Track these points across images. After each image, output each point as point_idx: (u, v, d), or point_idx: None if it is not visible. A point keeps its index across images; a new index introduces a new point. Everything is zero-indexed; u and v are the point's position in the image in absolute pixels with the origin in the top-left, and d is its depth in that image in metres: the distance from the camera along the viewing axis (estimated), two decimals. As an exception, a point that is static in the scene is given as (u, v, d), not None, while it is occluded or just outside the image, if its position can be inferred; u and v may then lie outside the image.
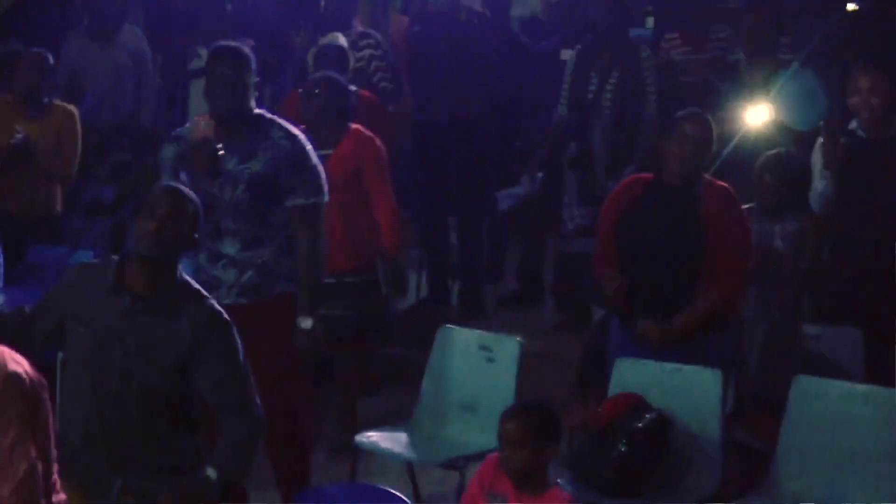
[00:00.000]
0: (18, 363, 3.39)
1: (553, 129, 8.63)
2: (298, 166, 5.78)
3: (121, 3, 9.99)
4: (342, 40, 8.67)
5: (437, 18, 9.10)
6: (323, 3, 10.54)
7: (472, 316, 8.19)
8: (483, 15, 9.37)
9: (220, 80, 5.73)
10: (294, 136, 5.85)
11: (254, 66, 5.93)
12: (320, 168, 5.89)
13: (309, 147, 5.88)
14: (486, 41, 9.16)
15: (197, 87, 9.08)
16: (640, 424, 5.50)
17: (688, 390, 5.77)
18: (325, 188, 5.90)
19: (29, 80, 7.99)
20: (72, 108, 8.14)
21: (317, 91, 7.12)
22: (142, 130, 9.32)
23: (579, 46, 8.48)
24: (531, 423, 4.61)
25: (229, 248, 5.72)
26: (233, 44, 6.31)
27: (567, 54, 8.98)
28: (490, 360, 6.31)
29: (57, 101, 8.10)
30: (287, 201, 5.75)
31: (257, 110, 5.90)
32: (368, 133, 7.08)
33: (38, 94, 7.96)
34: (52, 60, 8.15)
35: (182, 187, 4.68)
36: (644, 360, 5.93)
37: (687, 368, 5.79)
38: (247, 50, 6.02)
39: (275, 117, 6.01)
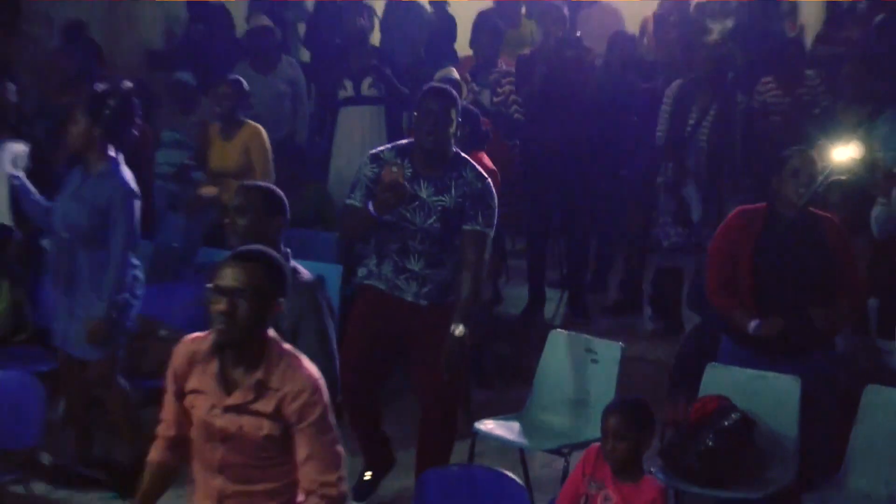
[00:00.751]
0: None
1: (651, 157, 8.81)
2: (483, 203, 5.99)
3: (279, 38, 10.50)
4: (455, 74, 9.02)
5: (553, 55, 9.18)
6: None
7: (576, 322, 8.31)
8: (590, 52, 9.55)
9: (432, 117, 5.88)
10: (484, 178, 6.06)
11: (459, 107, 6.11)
12: (496, 209, 6.07)
13: (493, 189, 6.08)
14: (595, 78, 9.31)
15: (344, 114, 9.62)
16: (726, 423, 5.62)
17: (769, 395, 5.88)
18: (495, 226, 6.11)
19: (228, 103, 8.33)
20: (259, 126, 8.40)
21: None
22: (297, 149, 9.56)
23: (681, 82, 8.59)
24: (631, 418, 4.78)
25: (414, 264, 5.99)
26: (446, 86, 6.46)
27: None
28: (594, 361, 6.50)
29: (244, 118, 8.43)
30: (465, 226, 5.96)
31: (454, 149, 6.12)
32: (490, 165, 7.32)
33: (235, 115, 8.34)
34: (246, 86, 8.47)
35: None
36: (732, 367, 6.05)
37: (769, 375, 5.88)
38: (455, 94, 6.17)
39: (468, 157, 6.19)
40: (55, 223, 6.46)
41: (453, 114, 5.92)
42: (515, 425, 6.49)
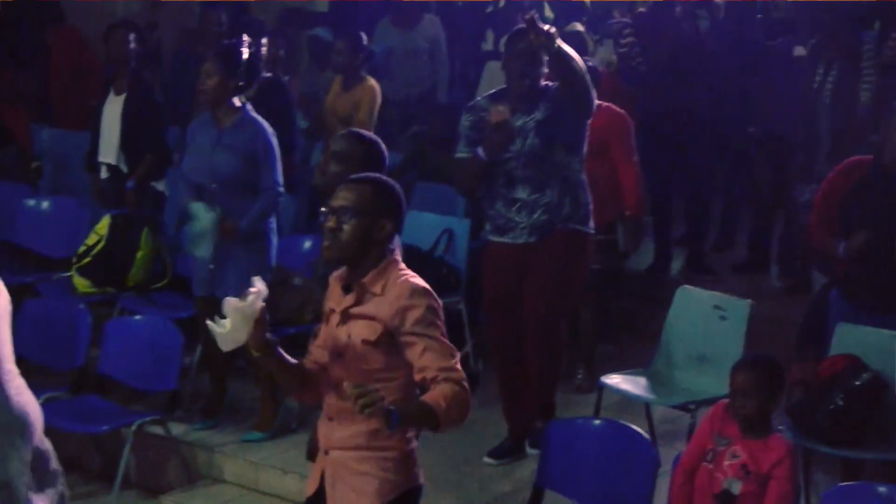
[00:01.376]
0: None
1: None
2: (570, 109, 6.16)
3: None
4: (580, 27, 9.21)
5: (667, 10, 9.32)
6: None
7: (703, 279, 8.21)
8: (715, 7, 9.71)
9: (522, 58, 6.10)
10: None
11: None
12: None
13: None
14: (718, 36, 9.45)
15: (488, 68, 9.64)
16: (857, 382, 5.53)
17: (902, 355, 5.78)
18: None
19: (342, 59, 8.44)
20: (373, 82, 8.50)
21: None
22: (436, 103, 9.76)
23: (813, 41, 8.59)
24: (761, 375, 4.74)
25: (521, 193, 6.14)
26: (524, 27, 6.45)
27: (799, 50, 9.05)
28: (723, 318, 6.45)
29: (366, 75, 8.53)
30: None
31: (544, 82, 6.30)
32: (618, 109, 7.29)
33: (352, 69, 8.43)
34: (364, 41, 8.61)
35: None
36: (864, 327, 5.91)
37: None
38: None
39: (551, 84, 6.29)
40: (194, 177, 6.66)
41: (540, 53, 6.01)
42: (641, 380, 6.50)
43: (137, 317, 7.14)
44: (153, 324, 6.80)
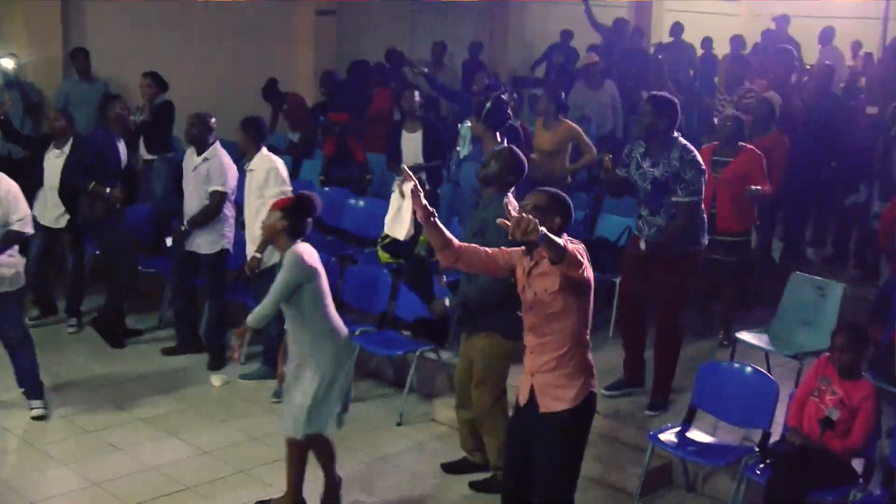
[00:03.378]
0: None
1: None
2: (677, 178, 5.96)
3: (602, 68, 10.77)
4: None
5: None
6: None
7: (796, 267, 7.82)
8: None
9: (641, 112, 6.24)
10: (685, 157, 5.96)
11: (676, 111, 6.12)
12: (694, 182, 5.94)
13: (687, 168, 5.93)
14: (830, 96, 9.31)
15: None
16: None
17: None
18: (702, 192, 6.03)
19: (543, 107, 8.59)
20: (569, 122, 8.50)
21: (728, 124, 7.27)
22: (615, 140, 9.85)
23: (893, 104, 8.55)
24: (854, 337, 5.02)
25: (643, 211, 6.16)
26: (664, 94, 6.44)
27: (871, 109, 9.24)
28: (822, 295, 6.65)
29: (562, 118, 8.49)
30: (674, 197, 6.00)
31: (676, 134, 6.10)
32: (756, 150, 7.13)
33: (552, 114, 8.41)
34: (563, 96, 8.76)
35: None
36: None
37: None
38: (671, 98, 6.19)
39: (683, 141, 6.07)
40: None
41: (660, 115, 5.98)
42: (764, 337, 6.67)
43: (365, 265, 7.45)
44: (372, 270, 7.29)
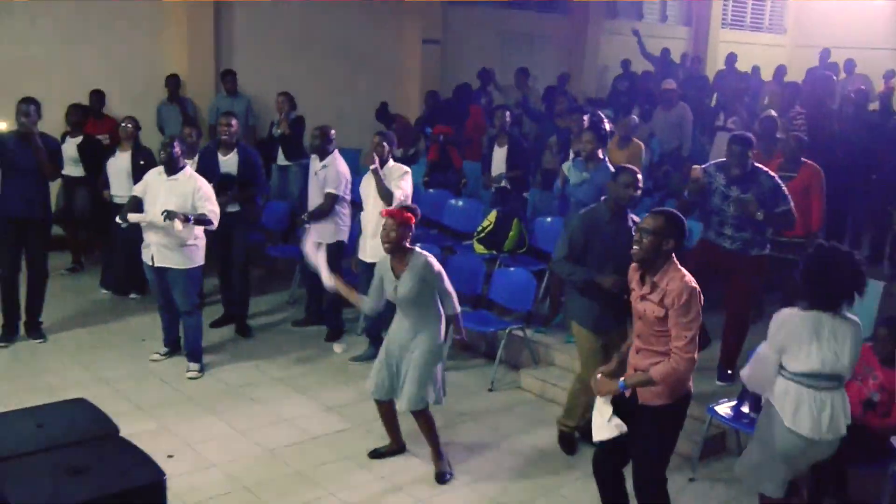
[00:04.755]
0: None
1: None
2: (775, 195, 5.93)
3: (678, 92, 10.44)
4: (773, 113, 8.69)
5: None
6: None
7: None
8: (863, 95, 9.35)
9: (733, 155, 5.94)
10: (771, 178, 5.97)
11: (752, 143, 6.04)
12: (786, 195, 5.95)
13: (778, 186, 5.95)
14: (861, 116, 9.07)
15: (719, 137, 9.35)
16: None
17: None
18: (791, 203, 5.96)
19: (623, 128, 8.34)
20: (639, 142, 8.33)
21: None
22: (682, 157, 9.48)
23: None
24: (891, 328, 4.85)
25: (727, 230, 6.00)
26: (742, 133, 6.37)
27: None
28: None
29: (634, 139, 8.30)
30: (776, 209, 5.92)
31: (757, 164, 6.05)
32: (816, 166, 7.03)
33: (623, 138, 8.19)
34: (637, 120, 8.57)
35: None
36: None
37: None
38: (749, 137, 6.11)
39: (765, 169, 6.07)
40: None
41: (748, 152, 5.92)
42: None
43: (511, 268, 7.12)
44: (519, 272, 6.92)
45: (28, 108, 6.38)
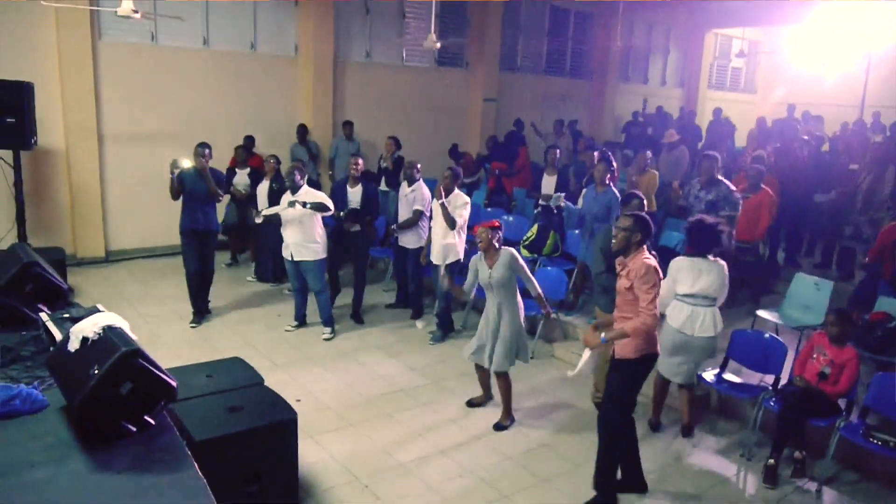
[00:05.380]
0: None
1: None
2: (726, 200, 5.99)
3: (678, 140, 9.94)
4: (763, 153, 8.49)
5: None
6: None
7: (797, 270, 7.43)
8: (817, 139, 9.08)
9: (702, 165, 6.03)
10: (729, 188, 5.94)
11: (717, 158, 6.06)
12: (737, 203, 5.92)
13: (732, 194, 5.89)
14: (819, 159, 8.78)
15: None
16: (889, 325, 5.33)
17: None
18: (740, 209, 5.88)
19: (641, 160, 7.85)
20: (655, 171, 7.84)
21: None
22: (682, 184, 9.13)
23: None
24: (840, 316, 4.69)
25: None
26: (710, 153, 6.30)
27: (853, 166, 8.76)
28: (818, 289, 6.16)
29: (650, 168, 7.78)
30: (721, 212, 5.90)
31: (719, 176, 6.08)
32: (770, 192, 6.88)
33: (639, 167, 7.69)
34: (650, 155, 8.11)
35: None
36: (893, 298, 5.61)
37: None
38: (715, 154, 6.16)
39: (727, 182, 6.07)
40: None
41: (714, 164, 5.98)
42: (775, 314, 6.30)
43: (548, 268, 6.86)
44: (554, 271, 6.68)
45: (203, 150, 6.41)
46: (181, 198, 6.47)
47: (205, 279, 6.89)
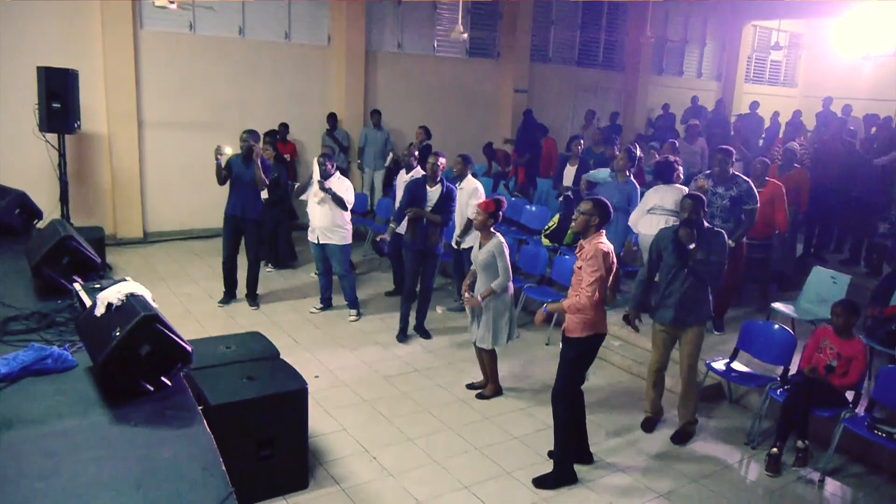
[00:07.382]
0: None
1: None
2: (748, 194, 5.84)
3: (699, 127, 9.99)
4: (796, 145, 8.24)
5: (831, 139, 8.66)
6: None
7: (822, 265, 7.25)
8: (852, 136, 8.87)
9: (716, 159, 5.87)
10: (747, 182, 5.85)
11: (731, 153, 5.91)
12: (756, 196, 5.83)
13: (751, 188, 5.83)
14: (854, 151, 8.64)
15: None
16: None
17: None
18: (758, 204, 5.83)
19: (667, 150, 8.05)
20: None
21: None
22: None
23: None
24: (847, 309, 4.68)
25: (717, 221, 5.82)
26: (727, 147, 6.16)
27: (881, 160, 8.52)
28: (834, 282, 6.19)
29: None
30: (745, 206, 5.84)
31: (735, 171, 5.95)
32: (778, 182, 6.64)
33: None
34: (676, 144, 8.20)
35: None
36: None
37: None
38: (730, 149, 5.98)
39: (743, 176, 5.93)
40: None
41: (728, 159, 5.85)
42: (791, 307, 6.32)
43: (567, 256, 6.82)
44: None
45: (248, 136, 6.41)
46: (227, 183, 6.53)
47: (251, 267, 6.79)
